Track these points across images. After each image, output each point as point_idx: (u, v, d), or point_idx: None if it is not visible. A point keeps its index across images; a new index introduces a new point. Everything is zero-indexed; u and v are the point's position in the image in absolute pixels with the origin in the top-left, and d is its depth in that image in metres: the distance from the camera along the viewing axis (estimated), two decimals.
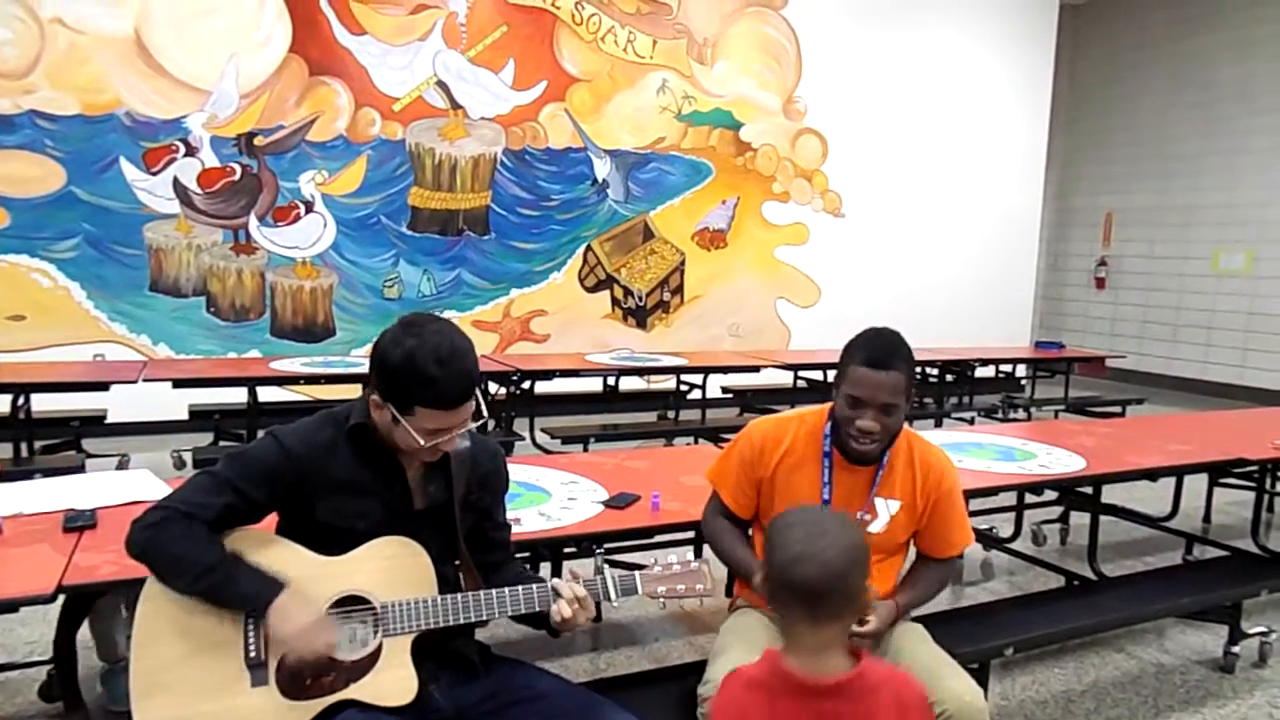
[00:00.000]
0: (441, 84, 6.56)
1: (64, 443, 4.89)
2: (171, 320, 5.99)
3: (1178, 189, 9.46)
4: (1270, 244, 8.68)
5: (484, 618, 1.66)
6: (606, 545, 2.33)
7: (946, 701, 1.73)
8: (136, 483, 2.39)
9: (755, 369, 6.08)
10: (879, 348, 1.89)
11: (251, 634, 1.54)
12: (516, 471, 2.31)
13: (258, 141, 6.06)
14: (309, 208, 6.27)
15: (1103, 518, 3.62)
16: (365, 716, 1.54)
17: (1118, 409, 6.96)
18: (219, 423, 5.16)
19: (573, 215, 7.11)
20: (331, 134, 6.27)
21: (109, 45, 5.60)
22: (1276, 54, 8.55)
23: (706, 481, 2.16)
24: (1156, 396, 8.65)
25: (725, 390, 6.64)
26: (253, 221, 6.13)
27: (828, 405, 2.05)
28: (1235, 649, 3.04)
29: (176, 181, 5.88)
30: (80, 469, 3.93)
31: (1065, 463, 3.10)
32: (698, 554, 2.81)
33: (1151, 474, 3.32)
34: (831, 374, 2.09)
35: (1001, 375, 8.26)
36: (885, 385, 1.86)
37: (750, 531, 2.14)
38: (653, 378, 6.82)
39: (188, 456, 4.94)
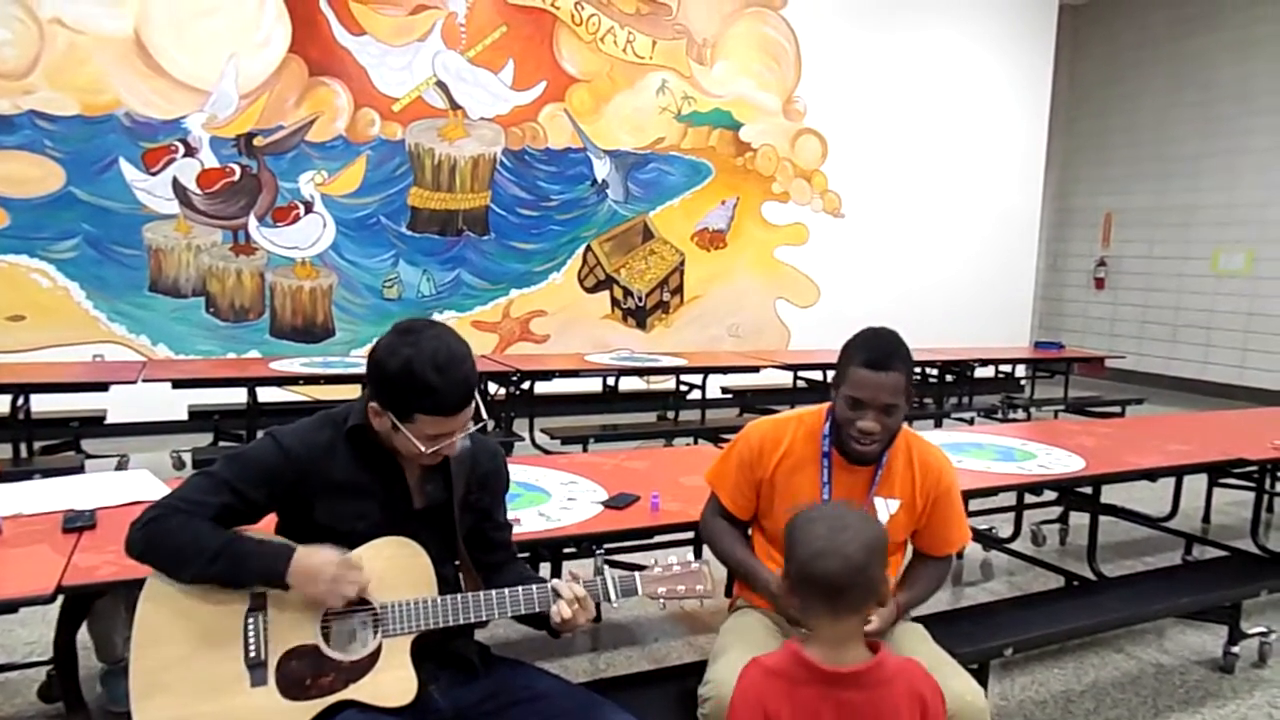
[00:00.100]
0: (441, 84, 6.56)
1: (63, 443, 4.89)
2: (171, 320, 5.98)
3: (1177, 189, 9.46)
4: (1270, 244, 8.69)
5: (483, 618, 1.66)
6: (606, 545, 2.33)
7: (947, 701, 1.72)
8: (136, 483, 2.39)
9: (755, 369, 6.08)
10: (878, 349, 1.89)
11: (251, 634, 1.54)
12: (516, 472, 2.31)
13: (257, 142, 6.06)
14: (308, 208, 6.27)
15: (1102, 518, 3.62)
16: (365, 717, 1.53)
17: (1117, 409, 6.96)
18: (218, 423, 5.16)
19: (572, 215, 7.11)
20: (331, 134, 6.27)
21: (108, 45, 5.60)
22: (1276, 54, 8.55)
23: (705, 482, 2.16)
24: (1156, 397, 8.65)
25: (725, 390, 6.64)
26: (252, 222, 6.13)
27: (826, 405, 2.05)
28: (1235, 649, 3.04)
29: (176, 182, 5.88)
30: (80, 469, 3.92)
31: (1065, 463, 3.10)
32: (697, 555, 2.81)
33: (1151, 474, 3.32)
34: (831, 374, 2.09)
35: (1001, 375, 8.27)
36: (885, 386, 1.86)
37: (749, 532, 2.14)
38: (652, 378, 6.83)
39: (187, 457, 4.95)
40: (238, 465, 1.60)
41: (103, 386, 4.43)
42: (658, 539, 2.80)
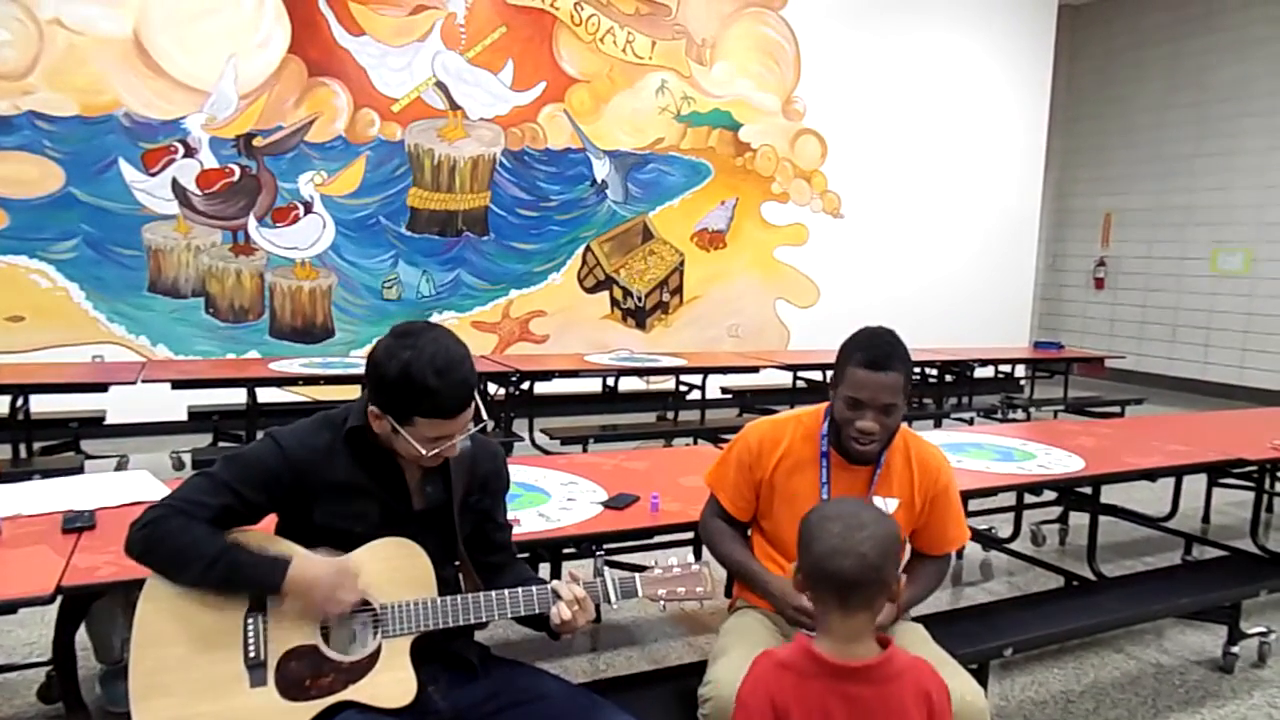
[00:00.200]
0: (440, 85, 6.56)
1: (63, 444, 4.89)
2: (170, 321, 5.98)
3: (1176, 189, 9.47)
4: (1268, 244, 8.70)
5: (483, 619, 1.66)
6: (606, 546, 2.33)
7: None
8: (135, 484, 2.39)
9: (754, 369, 6.08)
10: (877, 349, 1.89)
11: (251, 634, 1.54)
12: (516, 472, 2.30)
13: (257, 142, 6.06)
14: (308, 208, 6.27)
15: (1102, 518, 3.62)
16: (364, 718, 1.53)
17: (1117, 409, 6.97)
18: (218, 424, 5.16)
19: (572, 216, 7.11)
20: (330, 135, 6.27)
21: (108, 46, 5.60)
22: (1273, 55, 8.56)
23: (705, 484, 2.16)
24: (1155, 397, 8.65)
25: (724, 391, 6.64)
26: (252, 222, 6.13)
27: (824, 405, 2.05)
28: (1234, 649, 3.04)
29: (175, 182, 5.88)
30: (79, 470, 3.92)
31: (1064, 463, 3.10)
32: (697, 556, 2.81)
33: (1151, 474, 3.32)
34: (830, 374, 2.09)
35: (1001, 376, 8.27)
36: (885, 386, 1.87)
37: (749, 533, 2.14)
38: (652, 378, 6.82)
39: (187, 458, 4.95)
40: (237, 466, 1.60)
41: (102, 387, 4.43)
42: (657, 539, 2.80)
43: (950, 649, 1.96)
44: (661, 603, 1.74)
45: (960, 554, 3.98)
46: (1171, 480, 4.22)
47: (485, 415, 1.70)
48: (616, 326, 7.39)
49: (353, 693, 1.55)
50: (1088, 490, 3.44)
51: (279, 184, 6.16)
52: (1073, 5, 10.13)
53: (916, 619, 2.10)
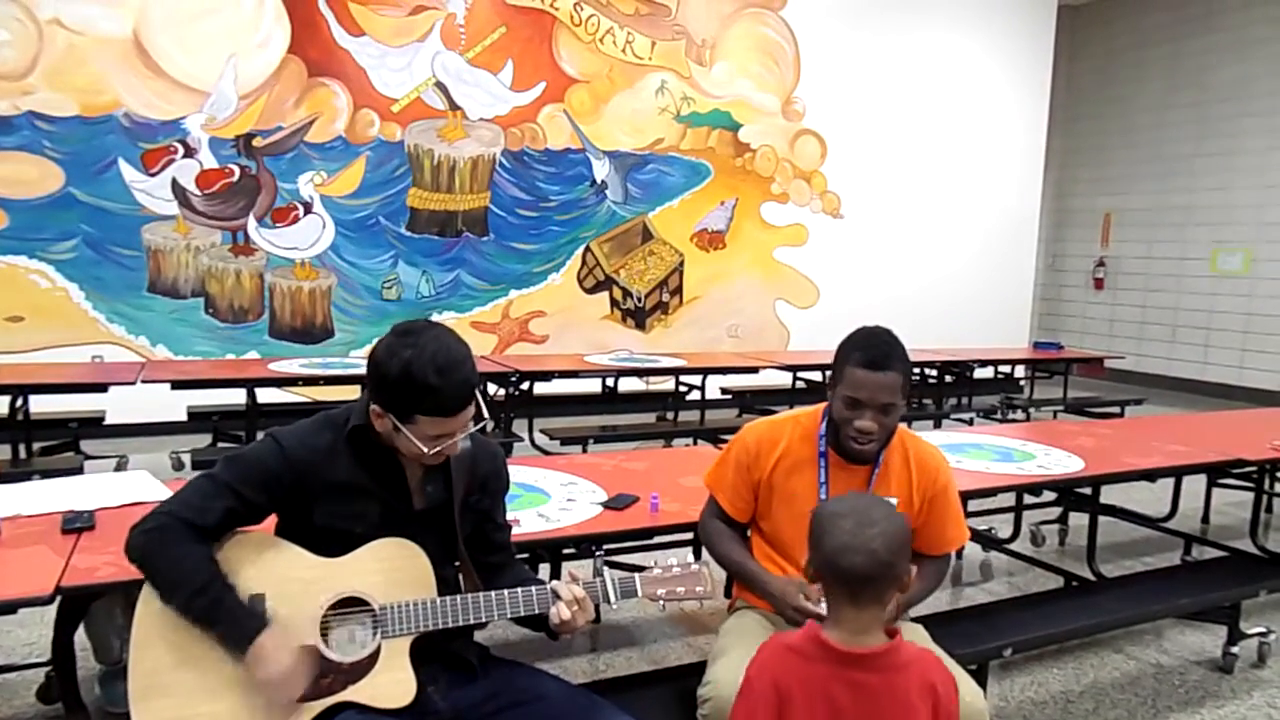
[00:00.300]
0: (440, 85, 6.56)
1: (62, 444, 4.89)
2: (170, 321, 5.98)
3: (1176, 190, 9.47)
4: (1268, 245, 8.70)
5: (483, 620, 1.65)
6: (605, 547, 2.33)
7: None
8: (135, 484, 2.38)
9: (754, 370, 6.08)
10: (875, 348, 1.89)
11: None
12: (515, 473, 2.30)
13: (256, 143, 6.06)
14: (308, 209, 6.27)
15: (1101, 518, 3.62)
16: (364, 718, 1.53)
17: (1116, 410, 6.97)
18: (218, 424, 5.16)
19: (571, 216, 7.11)
20: (330, 135, 6.27)
21: (107, 46, 5.60)
22: (1273, 55, 8.56)
23: (704, 485, 2.16)
24: (1155, 397, 8.65)
25: (724, 391, 6.64)
26: (251, 223, 6.13)
27: (821, 405, 2.05)
28: (1234, 649, 3.04)
29: (175, 183, 5.88)
30: (79, 470, 3.92)
31: (1064, 463, 3.10)
32: (697, 556, 2.81)
33: (1150, 475, 3.32)
34: (829, 374, 2.09)
35: (1000, 376, 8.27)
36: (884, 386, 1.87)
37: (748, 534, 2.14)
38: (651, 379, 6.82)
39: (186, 458, 4.95)
40: (238, 467, 1.60)
41: (102, 387, 4.43)
42: (657, 540, 2.80)
43: (950, 649, 1.96)
44: (661, 602, 1.74)
45: (960, 554, 3.98)
46: (1171, 481, 4.21)
47: (486, 414, 1.70)
48: (616, 327, 7.39)
49: (352, 693, 1.55)
50: (1087, 491, 3.44)
51: (279, 184, 6.16)
52: (1073, 5, 10.13)
53: (916, 619, 2.11)
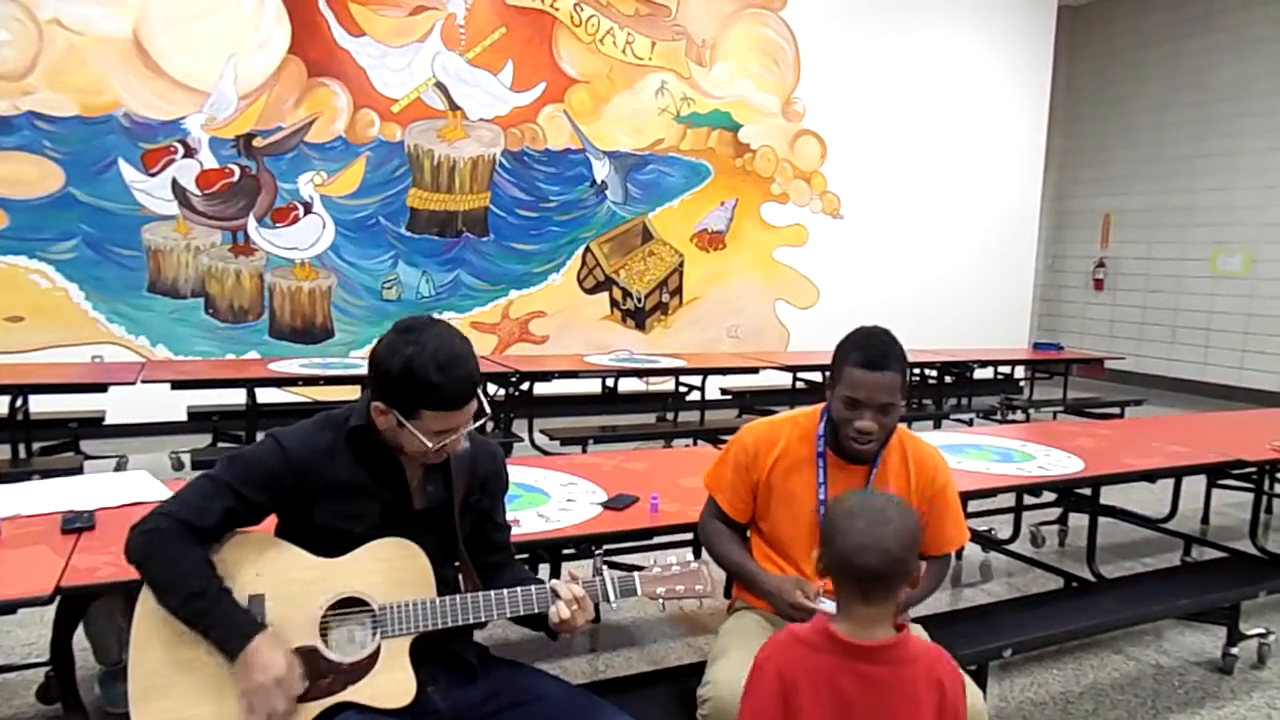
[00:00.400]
0: (440, 85, 6.56)
1: (62, 444, 4.89)
2: (170, 321, 5.98)
3: (1176, 190, 9.48)
4: (1268, 245, 8.70)
5: (482, 619, 1.65)
6: (605, 547, 2.33)
7: None
8: (135, 484, 2.39)
9: (754, 370, 6.08)
10: (874, 348, 1.89)
11: None
12: (515, 473, 2.31)
13: (256, 143, 6.06)
14: (308, 209, 6.27)
15: (1101, 519, 3.62)
16: (364, 718, 1.53)
17: (1116, 410, 6.97)
18: (217, 424, 5.16)
19: (571, 217, 7.11)
20: (330, 135, 6.27)
21: (107, 46, 5.60)
22: (1273, 55, 8.56)
23: (703, 486, 2.16)
24: (1155, 398, 8.66)
25: (724, 392, 6.64)
26: (251, 223, 6.13)
27: (820, 406, 2.05)
28: (1234, 650, 3.04)
29: (175, 183, 5.88)
30: (79, 470, 3.92)
31: (1064, 464, 3.10)
32: (696, 555, 2.81)
33: (1150, 475, 3.32)
34: (828, 374, 2.09)
35: (1000, 377, 8.28)
36: (883, 386, 1.87)
37: (748, 535, 2.14)
38: (651, 379, 6.82)
39: (186, 458, 4.95)
40: (239, 467, 1.60)
41: (102, 387, 4.43)
42: (657, 540, 2.80)
43: (950, 650, 1.93)
44: (661, 601, 1.74)
45: (960, 555, 3.98)
46: (1171, 481, 4.21)
47: (488, 410, 1.70)
48: (616, 327, 7.39)
49: (352, 693, 1.55)
50: (1087, 491, 3.44)
51: (279, 184, 6.16)
52: (1073, 6, 10.13)
53: (916, 620, 2.10)
